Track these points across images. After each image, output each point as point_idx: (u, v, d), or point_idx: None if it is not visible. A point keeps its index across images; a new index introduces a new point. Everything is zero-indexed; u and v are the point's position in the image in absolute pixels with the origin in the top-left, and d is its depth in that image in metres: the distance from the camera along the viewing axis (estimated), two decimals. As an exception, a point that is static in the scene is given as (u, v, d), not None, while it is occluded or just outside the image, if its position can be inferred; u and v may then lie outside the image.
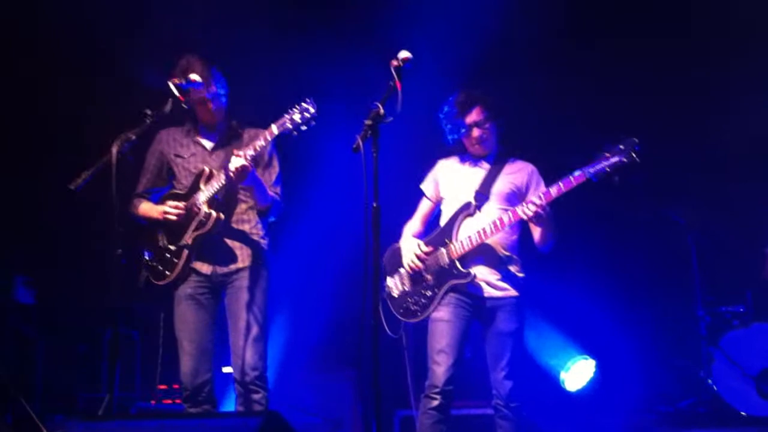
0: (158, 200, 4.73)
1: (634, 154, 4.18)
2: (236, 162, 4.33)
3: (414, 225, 4.91)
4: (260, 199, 4.61)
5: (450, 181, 4.80)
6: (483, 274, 4.58)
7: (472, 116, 4.66)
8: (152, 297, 4.81)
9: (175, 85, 4.38)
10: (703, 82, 6.83)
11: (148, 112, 4.34)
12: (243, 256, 4.60)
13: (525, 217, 4.42)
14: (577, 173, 4.31)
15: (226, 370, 6.28)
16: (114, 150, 4.13)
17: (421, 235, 4.86)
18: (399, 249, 4.83)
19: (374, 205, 3.70)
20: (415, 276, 4.72)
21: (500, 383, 4.54)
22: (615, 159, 4.23)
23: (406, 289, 4.74)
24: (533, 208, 4.36)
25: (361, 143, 3.70)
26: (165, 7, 6.46)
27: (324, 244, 6.85)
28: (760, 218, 6.86)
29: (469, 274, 4.52)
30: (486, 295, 4.58)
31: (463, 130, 4.67)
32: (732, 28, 6.61)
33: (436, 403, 4.47)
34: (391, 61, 3.83)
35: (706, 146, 6.90)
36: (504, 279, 4.61)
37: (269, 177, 4.69)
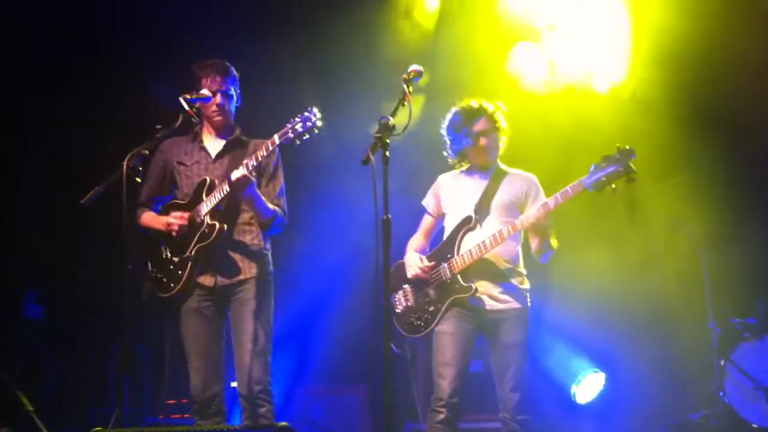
0: (160, 210, 4.73)
1: (630, 164, 4.22)
2: (237, 173, 4.36)
3: (417, 240, 4.93)
4: (260, 213, 4.61)
5: (451, 195, 4.81)
6: (485, 287, 4.59)
7: (480, 125, 4.70)
8: (157, 310, 4.80)
9: (186, 100, 4.40)
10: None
11: (159, 127, 4.36)
12: (245, 267, 4.60)
13: (523, 228, 4.45)
14: (573, 184, 4.35)
15: (234, 384, 6.29)
16: (125, 165, 4.15)
17: (424, 250, 4.88)
18: (403, 265, 4.84)
19: (384, 217, 3.70)
20: (418, 291, 4.73)
21: (507, 396, 4.53)
22: (611, 168, 4.26)
23: (410, 304, 4.75)
24: (532, 220, 4.40)
25: (371, 155, 3.72)
26: (175, 16, 6.52)
27: (334, 257, 6.85)
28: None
29: (471, 287, 4.53)
30: (488, 308, 4.59)
31: (470, 140, 4.69)
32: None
33: (442, 416, 4.47)
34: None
35: (718, 159, 6.88)
36: (506, 291, 4.61)
37: (273, 188, 4.70)
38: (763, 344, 6.32)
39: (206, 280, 4.59)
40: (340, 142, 6.39)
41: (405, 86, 3.87)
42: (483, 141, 4.70)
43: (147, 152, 4.24)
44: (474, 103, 4.76)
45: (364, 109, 6.35)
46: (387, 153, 3.74)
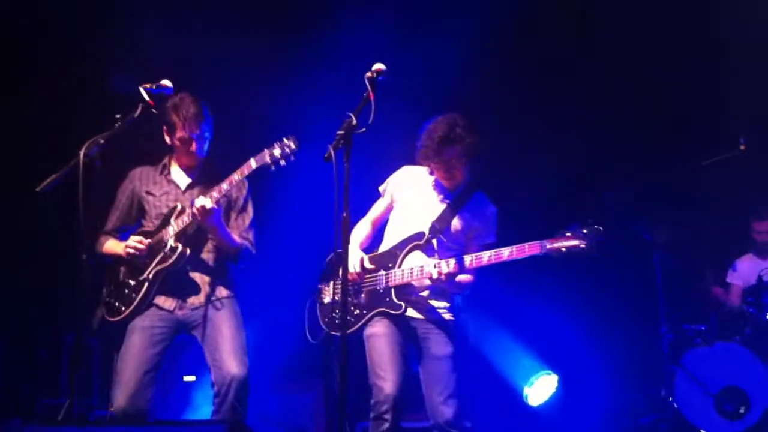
0: (126, 239, 4.67)
1: (594, 245, 4.03)
2: (200, 201, 4.33)
3: (364, 228, 4.79)
4: (224, 244, 4.56)
5: (410, 197, 4.65)
6: (417, 298, 4.49)
7: (449, 154, 4.46)
8: (106, 335, 4.71)
9: (146, 90, 4.35)
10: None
11: (118, 116, 4.31)
12: (211, 290, 4.56)
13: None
14: (532, 244, 4.15)
15: (188, 378, 6.23)
16: (82, 154, 4.09)
17: (369, 239, 4.78)
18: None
19: (344, 215, 3.68)
20: (350, 291, 4.57)
21: (438, 409, 4.39)
22: (573, 242, 4.07)
23: (338, 299, 4.55)
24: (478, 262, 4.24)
25: (333, 153, 3.69)
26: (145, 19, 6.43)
27: (290, 253, 6.81)
28: (724, 245, 6.97)
29: (400, 306, 4.41)
30: (418, 317, 4.50)
31: (435, 162, 4.52)
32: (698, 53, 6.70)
33: (387, 425, 4.29)
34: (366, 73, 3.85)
35: (674, 168, 6.97)
36: (439, 304, 4.52)
37: (243, 222, 4.68)
38: (713, 351, 6.42)
39: (167, 302, 4.54)
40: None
41: (368, 84, 3.84)
42: (446, 170, 4.52)
43: (104, 141, 4.18)
44: (454, 127, 4.45)
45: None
46: (350, 151, 3.72)
